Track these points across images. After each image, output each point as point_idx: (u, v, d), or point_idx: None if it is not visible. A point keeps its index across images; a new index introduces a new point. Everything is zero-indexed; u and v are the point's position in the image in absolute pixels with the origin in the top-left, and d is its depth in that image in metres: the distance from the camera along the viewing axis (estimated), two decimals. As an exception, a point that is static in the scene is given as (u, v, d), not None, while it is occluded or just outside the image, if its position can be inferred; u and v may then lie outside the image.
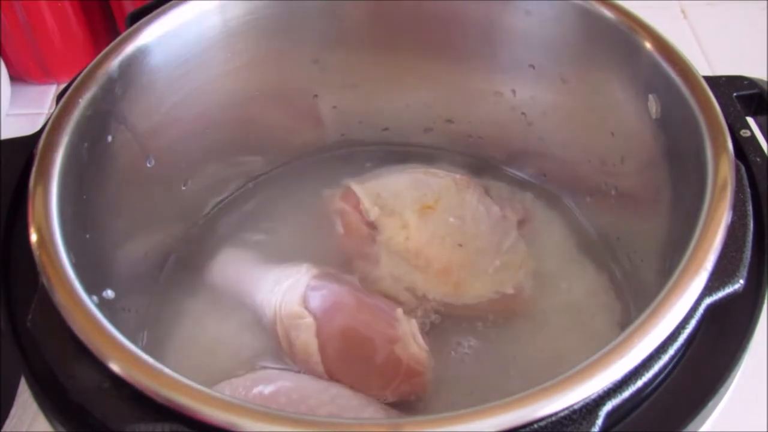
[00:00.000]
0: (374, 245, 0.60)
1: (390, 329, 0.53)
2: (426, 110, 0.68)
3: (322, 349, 0.53)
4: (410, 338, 0.53)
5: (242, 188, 0.67)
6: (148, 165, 0.57)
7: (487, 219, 0.61)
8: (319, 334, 0.53)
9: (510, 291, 0.58)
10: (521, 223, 0.62)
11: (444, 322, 0.57)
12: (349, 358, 0.53)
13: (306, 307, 0.54)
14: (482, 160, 0.68)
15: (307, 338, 0.53)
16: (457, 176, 0.64)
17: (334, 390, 0.51)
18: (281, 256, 0.60)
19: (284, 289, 0.55)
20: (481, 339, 0.57)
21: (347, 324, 0.54)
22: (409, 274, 0.58)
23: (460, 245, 0.60)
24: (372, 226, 0.61)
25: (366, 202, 0.61)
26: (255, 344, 0.56)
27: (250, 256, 0.61)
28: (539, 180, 0.66)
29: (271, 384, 0.51)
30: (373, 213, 0.61)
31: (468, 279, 0.58)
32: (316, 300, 0.54)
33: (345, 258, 0.61)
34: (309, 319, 0.53)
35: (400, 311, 0.54)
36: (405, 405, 0.52)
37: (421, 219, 0.61)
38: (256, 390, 0.50)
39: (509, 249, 0.60)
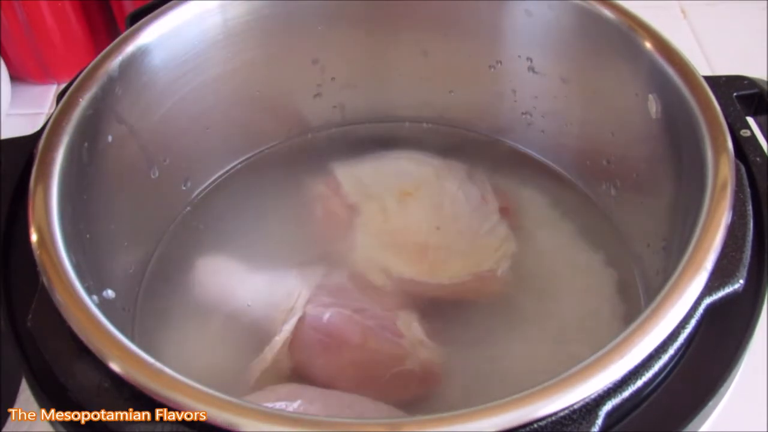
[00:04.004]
0: (352, 228, 0.60)
1: (397, 349, 0.52)
2: (425, 109, 0.68)
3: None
4: (418, 346, 0.53)
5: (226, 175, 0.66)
6: (149, 165, 0.57)
7: (466, 204, 0.61)
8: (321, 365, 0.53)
9: (486, 272, 0.58)
10: (506, 209, 0.62)
11: (434, 306, 0.57)
12: (364, 383, 0.52)
13: (307, 342, 0.53)
14: (476, 157, 0.67)
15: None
16: (437, 162, 0.64)
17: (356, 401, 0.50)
18: (265, 248, 0.60)
19: (279, 321, 0.55)
20: (477, 321, 0.56)
21: (354, 356, 0.53)
22: (383, 255, 0.58)
23: (438, 228, 0.60)
24: (351, 209, 0.61)
25: (346, 186, 0.62)
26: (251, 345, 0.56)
27: (231, 266, 0.59)
28: (537, 176, 0.66)
29: (294, 401, 0.49)
30: (353, 196, 0.61)
31: (444, 260, 0.58)
32: (317, 336, 0.53)
33: (324, 244, 0.61)
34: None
35: (401, 321, 0.54)
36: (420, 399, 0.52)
37: (400, 203, 0.61)
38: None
39: (488, 232, 0.60)
